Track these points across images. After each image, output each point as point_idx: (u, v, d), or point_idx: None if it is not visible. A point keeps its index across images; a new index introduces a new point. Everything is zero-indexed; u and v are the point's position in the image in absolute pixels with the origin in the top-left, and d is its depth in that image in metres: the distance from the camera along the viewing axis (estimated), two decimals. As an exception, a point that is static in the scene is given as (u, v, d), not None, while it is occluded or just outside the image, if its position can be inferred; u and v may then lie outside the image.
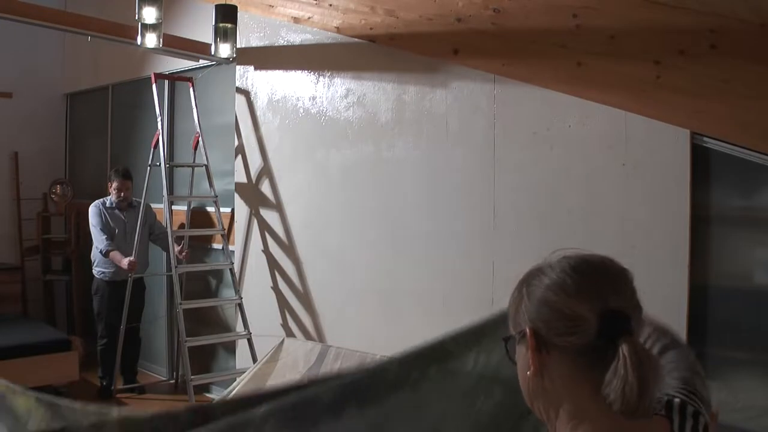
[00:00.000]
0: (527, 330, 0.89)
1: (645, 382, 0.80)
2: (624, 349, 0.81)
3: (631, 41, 2.69)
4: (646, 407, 0.82)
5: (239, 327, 4.39)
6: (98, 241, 4.72)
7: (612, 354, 0.82)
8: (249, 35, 4.38)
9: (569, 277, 0.88)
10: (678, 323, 2.63)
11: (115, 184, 4.82)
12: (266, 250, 4.33)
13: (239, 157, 4.48)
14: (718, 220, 2.71)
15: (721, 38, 2.43)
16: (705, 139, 2.65)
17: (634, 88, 2.75)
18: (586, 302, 0.85)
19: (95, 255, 4.83)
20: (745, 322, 2.68)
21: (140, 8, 3.55)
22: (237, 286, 4.36)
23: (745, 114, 2.51)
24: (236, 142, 4.50)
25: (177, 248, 4.44)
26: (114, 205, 4.83)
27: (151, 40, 3.80)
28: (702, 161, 2.68)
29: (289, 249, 4.19)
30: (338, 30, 3.82)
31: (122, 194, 4.81)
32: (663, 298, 2.71)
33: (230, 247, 4.52)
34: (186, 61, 4.79)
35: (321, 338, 3.98)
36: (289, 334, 4.12)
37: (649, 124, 2.75)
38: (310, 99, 4.07)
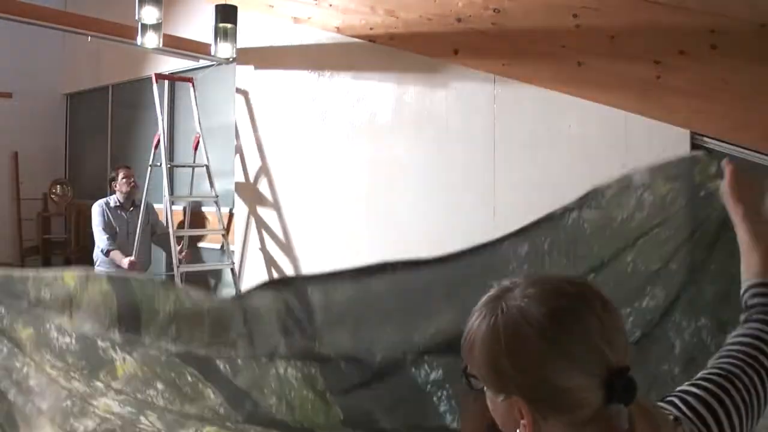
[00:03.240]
0: (519, 404, 0.77)
1: None
2: (634, 414, 0.75)
3: (631, 41, 2.69)
4: None
5: (239, 327, 4.38)
6: (99, 240, 4.72)
7: (616, 412, 0.74)
8: (249, 35, 4.38)
9: (556, 334, 0.75)
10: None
11: (122, 174, 4.82)
12: (264, 249, 4.33)
13: (239, 157, 4.48)
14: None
15: (721, 38, 2.43)
16: (705, 139, 2.65)
17: (634, 88, 2.75)
18: (585, 372, 0.74)
19: (97, 254, 4.83)
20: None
21: (140, 8, 3.55)
22: (238, 285, 4.37)
23: (745, 114, 2.51)
24: (236, 142, 4.50)
25: (177, 248, 4.44)
26: (122, 200, 4.84)
27: (151, 40, 3.80)
28: (702, 161, 2.68)
29: (288, 248, 4.19)
30: (338, 30, 3.82)
31: (132, 180, 4.81)
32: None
33: (230, 247, 4.53)
34: (186, 61, 4.79)
35: (321, 338, 3.98)
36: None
37: (649, 124, 2.75)
38: (310, 99, 4.07)
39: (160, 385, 1.71)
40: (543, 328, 0.75)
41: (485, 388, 0.81)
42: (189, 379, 1.70)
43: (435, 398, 1.58)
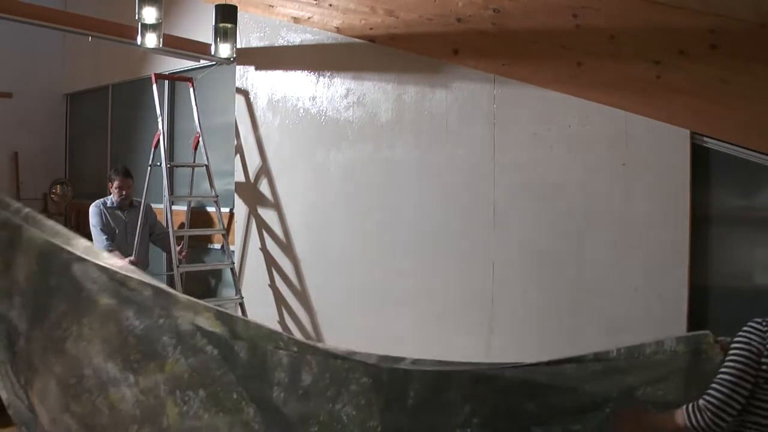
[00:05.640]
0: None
1: None
2: None
3: (631, 41, 2.69)
4: None
5: (239, 327, 4.38)
6: (98, 241, 4.71)
7: None
8: (249, 35, 4.38)
9: None
10: (678, 323, 2.64)
11: (116, 183, 4.81)
12: (264, 249, 4.33)
13: (239, 156, 4.48)
14: (718, 220, 2.71)
15: (721, 38, 2.43)
16: (705, 139, 2.65)
17: (634, 88, 2.75)
18: None
19: (96, 255, 4.82)
20: (746, 322, 2.67)
21: (140, 8, 3.55)
22: (238, 285, 4.36)
23: (745, 114, 2.51)
24: (236, 142, 4.50)
25: (176, 248, 4.44)
26: (115, 204, 4.82)
27: (151, 40, 3.80)
28: (702, 161, 2.68)
29: (288, 248, 4.19)
30: (338, 30, 3.82)
31: (124, 192, 4.78)
32: (663, 298, 2.71)
33: (230, 247, 4.52)
34: (186, 61, 4.79)
35: (318, 337, 3.98)
36: (287, 332, 4.12)
37: (649, 124, 2.75)
38: (309, 99, 4.07)
39: (202, 392, 1.88)
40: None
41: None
42: (234, 396, 1.91)
43: None
